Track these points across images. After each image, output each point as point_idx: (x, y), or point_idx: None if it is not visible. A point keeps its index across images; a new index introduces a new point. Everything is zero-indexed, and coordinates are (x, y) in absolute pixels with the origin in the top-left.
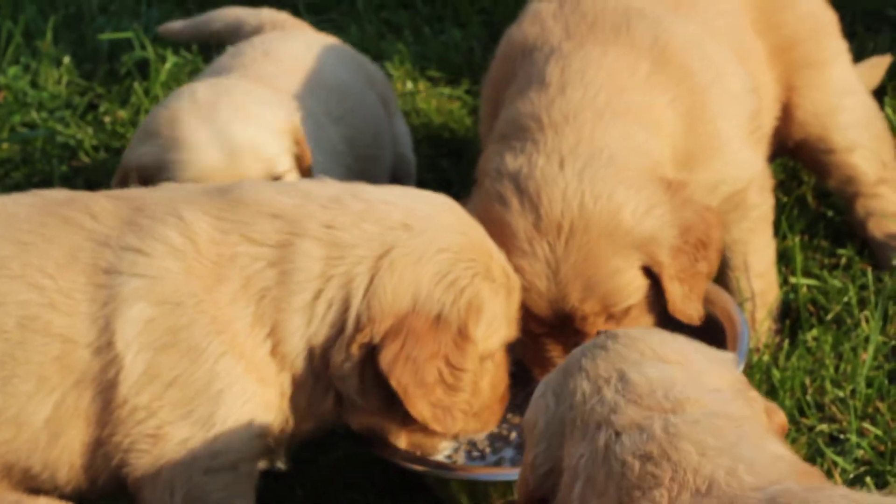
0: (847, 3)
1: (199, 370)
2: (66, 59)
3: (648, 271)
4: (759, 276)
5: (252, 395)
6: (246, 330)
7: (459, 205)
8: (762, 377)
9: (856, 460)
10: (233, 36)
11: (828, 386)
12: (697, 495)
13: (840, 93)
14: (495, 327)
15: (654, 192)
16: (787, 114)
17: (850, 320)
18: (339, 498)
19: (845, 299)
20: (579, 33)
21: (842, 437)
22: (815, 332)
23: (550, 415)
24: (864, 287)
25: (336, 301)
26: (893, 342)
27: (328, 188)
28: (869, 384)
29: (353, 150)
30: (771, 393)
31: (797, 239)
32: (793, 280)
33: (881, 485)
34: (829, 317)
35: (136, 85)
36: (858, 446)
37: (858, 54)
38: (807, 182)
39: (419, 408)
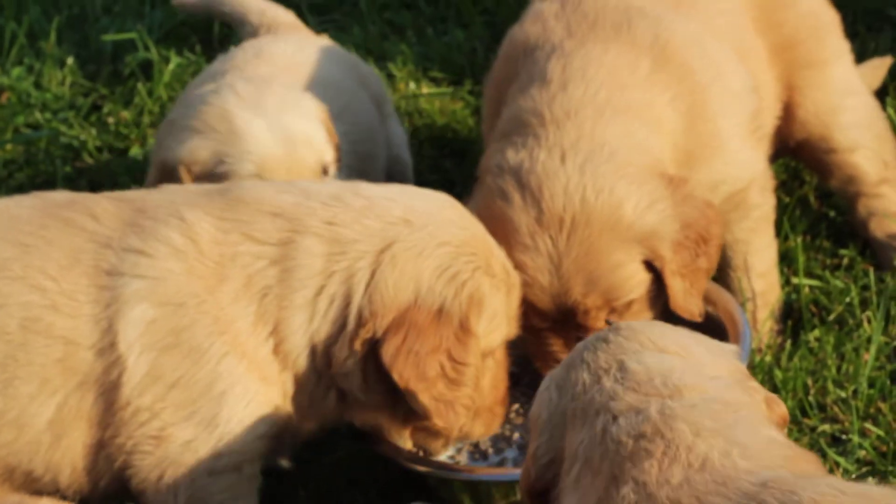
0: (848, 2)
1: (202, 371)
2: (70, 60)
3: (650, 266)
4: (760, 276)
5: (255, 395)
6: (248, 329)
7: (461, 203)
8: (764, 377)
9: (858, 461)
10: (237, 23)
11: (830, 386)
12: (690, 469)
13: (842, 92)
14: (496, 323)
15: (656, 188)
16: (788, 113)
17: (853, 321)
18: (342, 498)
19: (847, 300)
20: (580, 32)
21: (844, 437)
22: (817, 332)
23: (553, 407)
24: (866, 287)
25: (338, 297)
26: (895, 343)
27: (328, 186)
28: (871, 385)
29: (352, 148)
30: (773, 393)
31: (799, 239)
32: (795, 280)
33: None
34: (832, 317)
35: (140, 86)
36: (860, 447)
37: (860, 54)
38: (809, 182)
39: (421, 402)
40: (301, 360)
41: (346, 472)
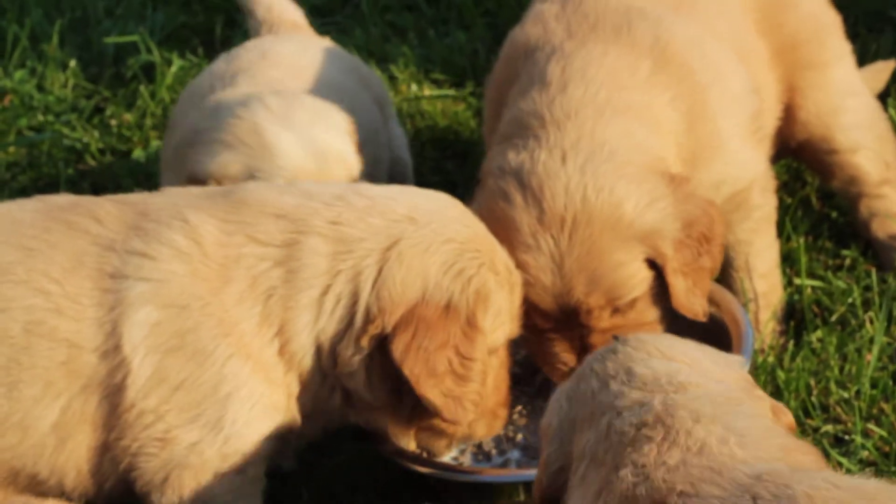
0: (850, 4)
1: (207, 373)
2: (73, 63)
3: (653, 265)
4: (762, 276)
5: (260, 396)
6: (253, 330)
7: (463, 205)
8: (767, 378)
9: (861, 461)
10: (247, 12)
11: (832, 387)
12: (688, 453)
13: (843, 94)
14: (501, 320)
15: (656, 186)
16: (789, 114)
17: (855, 321)
18: (344, 499)
19: (850, 300)
20: (581, 33)
21: (847, 438)
22: (819, 333)
23: (563, 415)
24: (868, 288)
25: (344, 295)
26: None
27: (330, 187)
28: (874, 385)
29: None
30: (776, 394)
31: (801, 240)
32: (797, 281)
33: None
34: (834, 318)
35: (143, 88)
36: (863, 447)
37: (861, 55)
38: (811, 183)
39: (430, 397)
40: (307, 361)
41: (348, 473)
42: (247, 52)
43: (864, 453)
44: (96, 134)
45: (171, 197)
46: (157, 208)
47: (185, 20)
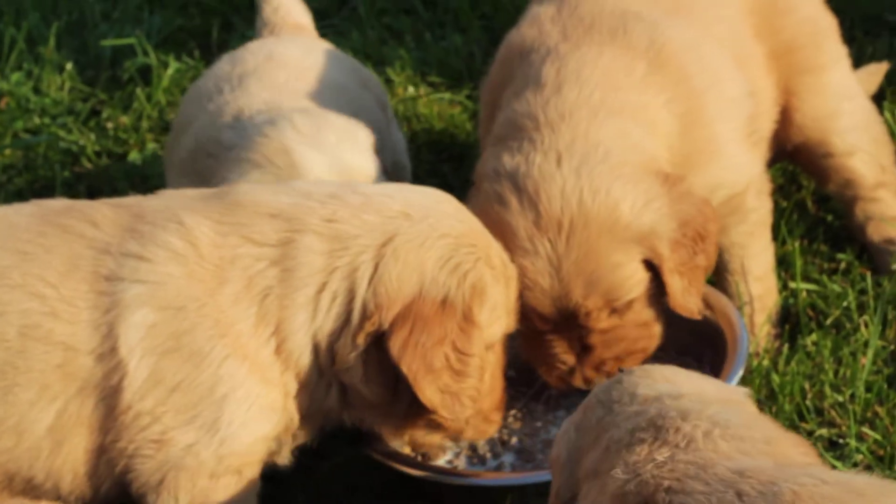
0: (846, 7)
1: (203, 374)
2: (69, 65)
3: (649, 265)
4: (757, 280)
5: (256, 397)
6: (249, 331)
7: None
8: (762, 382)
9: (855, 465)
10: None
11: (827, 390)
12: (676, 449)
13: (839, 97)
14: (497, 314)
15: (652, 186)
16: (786, 118)
17: (850, 325)
18: (340, 503)
19: (844, 304)
20: (576, 35)
21: (841, 441)
22: (814, 336)
23: (572, 445)
24: (863, 291)
25: (341, 292)
26: (892, 347)
27: (324, 186)
28: (868, 389)
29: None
30: (770, 398)
31: (797, 243)
32: (792, 285)
33: None
34: (829, 321)
35: (139, 91)
36: (857, 451)
37: (857, 59)
38: (806, 187)
39: (428, 394)
40: (303, 359)
41: (344, 477)
42: (252, 55)
43: (859, 457)
44: (92, 136)
45: (165, 199)
46: (153, 211)
47: (182, 23)
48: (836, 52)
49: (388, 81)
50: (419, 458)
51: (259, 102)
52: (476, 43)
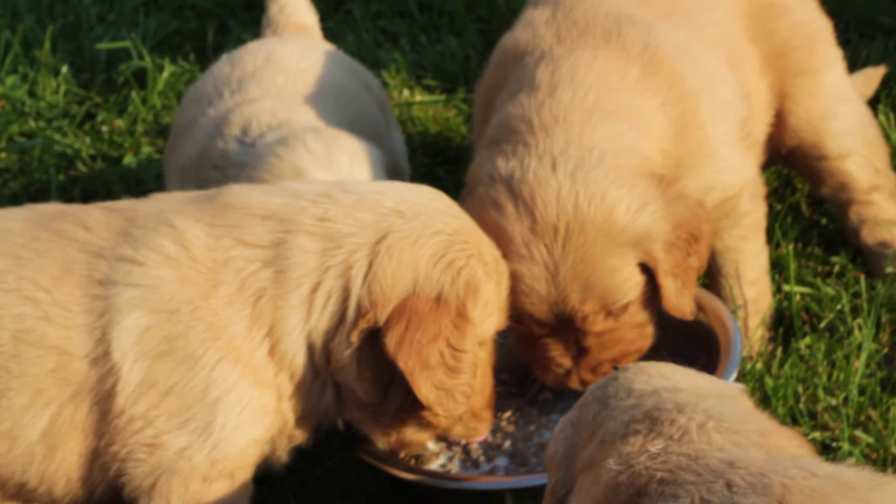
0: (841, 10)
1: (196, 378)
2: (64, 69)
3: (644, 267)
4: (751, 283)
5: (249, 400)
6: (243, 333)
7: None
8: (755, 385)
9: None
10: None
11: (820, 394)
12: (670, 441)
13: (834, 100)
14: (489, 311)
15: (646, 189)
16: (780, 120)
17: (843, 328)
18: None
19: (838, 307)
20: (570, 38)
21: (834, 445)
22: (808, 339)
23: (568, 443)
24: (857, 295)
25: (335, 291)
26: (886, 350)
27: (316, 186)
28: (861, 392)
29: None
30: (764, 401)
31: (791, 247)
32: (786, 288)
33: None
34: (823, 325)
35: (134, 94)
36: (851, 454)
37: (852, 62)
38: (800, 190)
39: (424, 391)
40: (298, 359)
41: (337, 481)
42: (252, 56)
43: (852, 461)
44: (87, 140)
45: (157, 203)
46: (145, 214)
47: (177, 26)
48: (830, 54)
49: (384, 85)
50: (413, 462)
51: (267, 115)
52: (471, 46)
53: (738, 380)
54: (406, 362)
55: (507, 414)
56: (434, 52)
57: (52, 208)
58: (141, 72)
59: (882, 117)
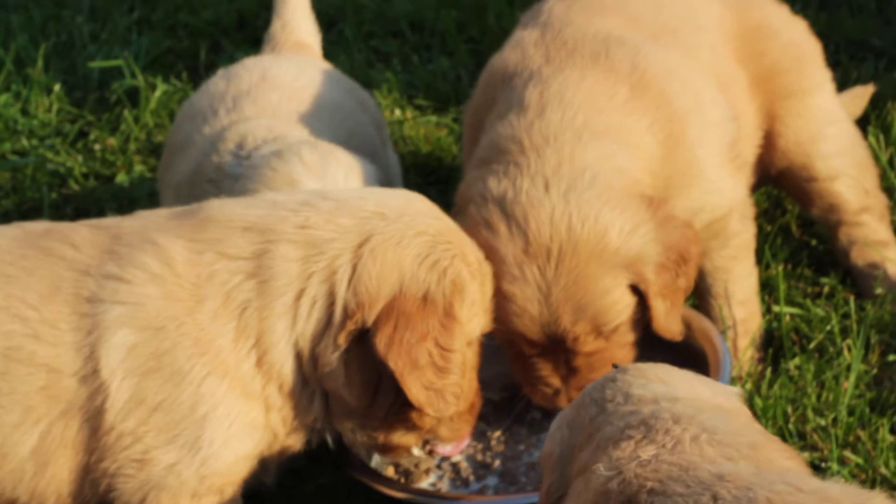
0: (831, 32)
1: (184, 394)
2: (57, 87)
3: (634, 289)
4: (740, 304)
5: (238, 415)
6: (229, 346)
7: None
8: (744, 405)
9: None
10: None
11: (810, 414)
12: (662, 449)
13: (823, 121)
14: (475, 311)
15: (637, 211)
16: (769, 142)
17: (833, 349)
18: None
19: (828, 328)
20: (559, 59)
21: (823, 465)
22: (797, 360)
23: (564, 444)
24: (846, 316)
25: (320, 296)
26: (875, 371)
27: (295, 195)
28: (850, 413)
29: None
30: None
31: (780, 267)
32: (776, 309)
33: None
34: (812, 345)
35: (126, 112)
36: (839, 474)
37: (842, 83)
38: (791, 211)
39: (414, 391)
40: (286, 368)
41: (328, 499)
42: (247, 73)
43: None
44: (80, 158)
45: (141, 220)
46: (129, 232)
47: (170, 45)
48: (819, 76)
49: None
50: (402, 481)
51: (262, 130)
52: (463, 66)
53: None
54: (396, 362)
55: (497, 433)
56: (426, 72)
57: (39, 226)
58: (133, 90)
59: (872, 138)
